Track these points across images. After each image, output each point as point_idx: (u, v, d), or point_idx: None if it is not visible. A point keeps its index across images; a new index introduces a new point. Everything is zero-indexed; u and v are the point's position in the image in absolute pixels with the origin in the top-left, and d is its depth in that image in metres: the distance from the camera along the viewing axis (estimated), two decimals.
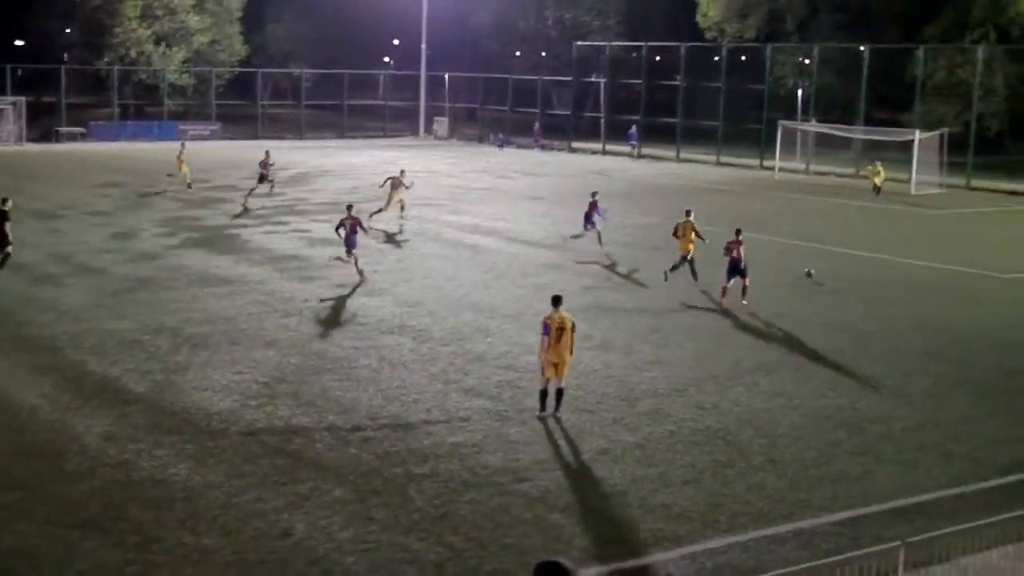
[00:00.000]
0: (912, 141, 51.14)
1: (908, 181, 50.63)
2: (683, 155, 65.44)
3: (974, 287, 28.57)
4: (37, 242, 29.88)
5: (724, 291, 24.92)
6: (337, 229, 27.18)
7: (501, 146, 72.50)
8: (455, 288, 26.08)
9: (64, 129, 66.87)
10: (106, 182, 46.26)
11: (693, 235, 26.88)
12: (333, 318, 22.93)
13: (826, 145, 59.18)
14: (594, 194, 32.49)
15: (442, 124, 79.58)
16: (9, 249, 26.49)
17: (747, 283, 24.62)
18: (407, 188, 36.75)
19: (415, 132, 79.82)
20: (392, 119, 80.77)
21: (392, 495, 13.57)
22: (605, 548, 12.40)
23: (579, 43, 76.61)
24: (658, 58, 75.33)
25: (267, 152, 43.02)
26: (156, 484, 13.74)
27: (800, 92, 64.18)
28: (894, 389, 18.77)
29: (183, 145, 47.08)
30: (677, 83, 68.03)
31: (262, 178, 41.80)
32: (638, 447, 15.52)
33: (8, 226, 26.49)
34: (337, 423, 16.19)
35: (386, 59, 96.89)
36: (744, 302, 24.38)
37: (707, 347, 21.28)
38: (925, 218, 43.24)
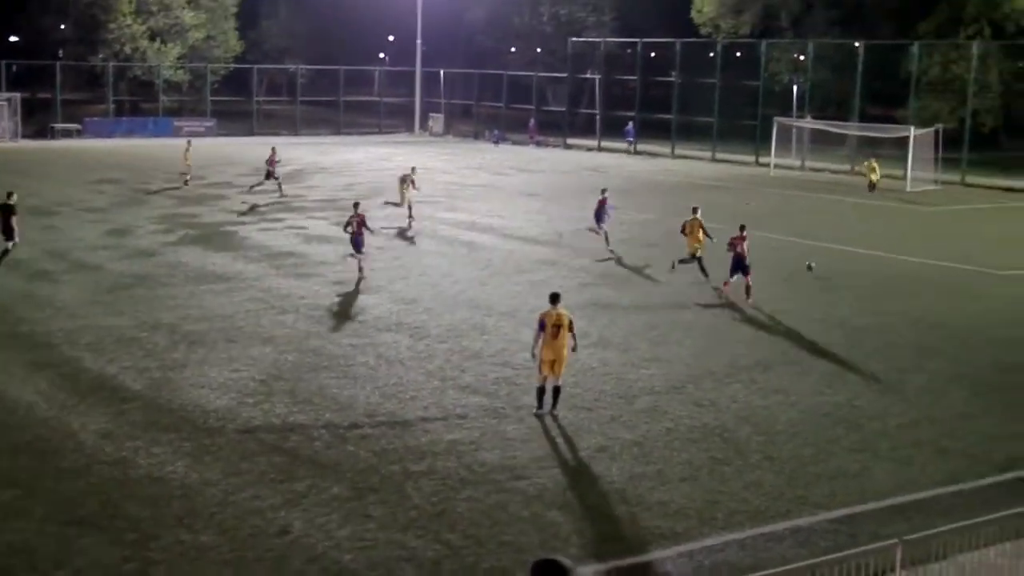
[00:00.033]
0: (907, 137, 51.12)
1: (903, 177, 50.64)
2: (678, 151, 65.36)
3: (969, 283, 28.61)
4: (33, 238, 29.81)
5: (726, 284, 25.21)
6: (346, 228, 26.88)
7: (496, 142, 72.41)
8: (451, 285, 26.07)
9: (59, 125, 66.70)
10: (101, 178, 46.22)
11: (701, 233, 26.85)
12: (330, 315, 22.93)
13: (821, 141, 59.18)
14: (604, 191, 32.10)
15: (437, 120, 79.45)
16: (11, 244, 26.61)
17: (750, 280, 24.79)
18: (416, 190, 36.11)
19: (410, 128, 79.71)
20: (387, 115, 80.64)
21: (389, 492, 13.58)
22: (602, 546, 12.42)
23: (574, 39, 76.50)
24: (653, 54, 75.21)
25: (273, 149, 42.67)
26: (153, 481, 13.74)
27: (795, 88, 64.08)
28: (890, 385, 18.80)
29: (189, 142, 46.99)
30: (672, 79, 67.96)
31: (268, 175, 41.59)
32: (635, 444, 15.53)
33: (15, 220, 26.65)
34: (334, 420, 16.19)
35: (381, 55, 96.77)
36: (750, 300, 24.56)
37: (704, 344, 21.31)
38: (920, 214, 43.26)
